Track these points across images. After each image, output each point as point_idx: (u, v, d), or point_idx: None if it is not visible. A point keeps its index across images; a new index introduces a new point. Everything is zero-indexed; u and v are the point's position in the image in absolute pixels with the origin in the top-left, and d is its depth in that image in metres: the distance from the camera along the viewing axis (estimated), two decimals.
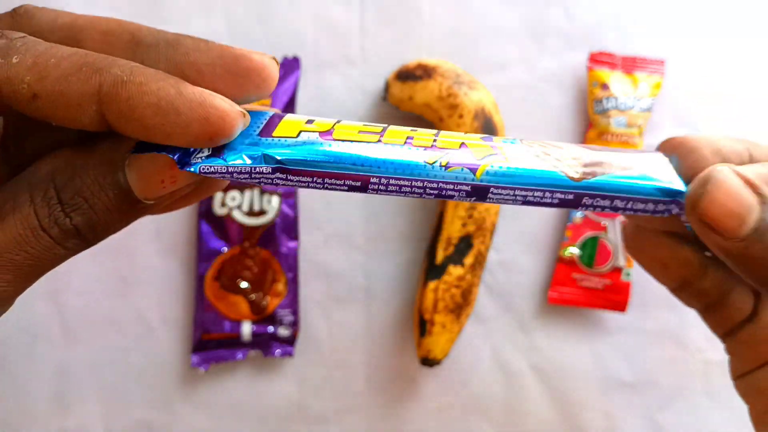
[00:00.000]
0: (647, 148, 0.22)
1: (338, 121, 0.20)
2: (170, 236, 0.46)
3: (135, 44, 0.18)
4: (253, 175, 0.19)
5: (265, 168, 0.19)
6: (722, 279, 0.23)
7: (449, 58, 0.46)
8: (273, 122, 0.20)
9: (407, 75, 0.44)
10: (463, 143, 0.20)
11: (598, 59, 0.46)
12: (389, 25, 0.46)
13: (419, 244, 0.47)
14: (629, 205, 0.20)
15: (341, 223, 0.47)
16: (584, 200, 0.20)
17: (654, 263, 0.24)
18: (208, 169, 0.18)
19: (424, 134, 0.21)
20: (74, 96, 0.16)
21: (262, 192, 0.45)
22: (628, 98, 0.45)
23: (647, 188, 0.20)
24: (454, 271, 0.43)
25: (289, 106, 0.45)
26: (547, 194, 0.20)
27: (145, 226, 0.45)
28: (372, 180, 0.19)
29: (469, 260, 0.43)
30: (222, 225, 0.45)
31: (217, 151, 0.18)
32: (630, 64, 0.46)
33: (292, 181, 0.19)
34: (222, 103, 0.17)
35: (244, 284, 0.45)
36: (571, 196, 0.20)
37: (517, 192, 0.20)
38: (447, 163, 0.20)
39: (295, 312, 0.46)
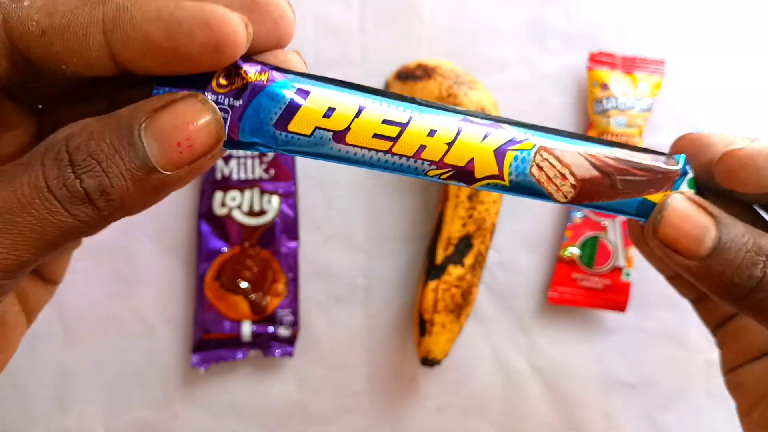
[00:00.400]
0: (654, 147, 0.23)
1: (360, 111, 0.20)
2: (170, 236, 0.46)
3: None
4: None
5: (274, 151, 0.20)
6: None
7: (449, 58, 0.46)
8: (292, 108, 0.19)
9: (407, 75, 0.44)
10: (471, 159, 0.21)
11: (598, 59, 0.46)
12: (389, 25, 0.46)
13: (419, 244, 0.47)
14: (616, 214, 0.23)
15: (341, 223, 0.47)
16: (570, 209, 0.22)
17: (653, 255, 0.25)
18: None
19: (439, 142, 0.21)
20: (80, 26, 0.17)
21: (263, 192, 0.45)
22: (628, 98, 0.46)
23: (627, 211, 0.22)
24: (454, 271, 0.43)
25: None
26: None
27: (145, 226, 0.45)
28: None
29: (469, 260, 0.44)
30: (222, 225, 0.45)
31: (231, 143, 0.20)
32: (630, 64, 0.46)
33: (274, 166, 0.20)
34: (220, 8, 0.17)
35: (244, 284, 0.45)
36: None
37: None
38: (447, 177, 0.21)
39: (295, 312, 0.46)
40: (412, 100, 0.21)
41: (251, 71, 0.19)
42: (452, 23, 0.46)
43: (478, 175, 0.21)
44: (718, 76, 0.47)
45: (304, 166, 0.46)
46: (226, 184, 0.45)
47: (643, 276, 0.46)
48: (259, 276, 0.45)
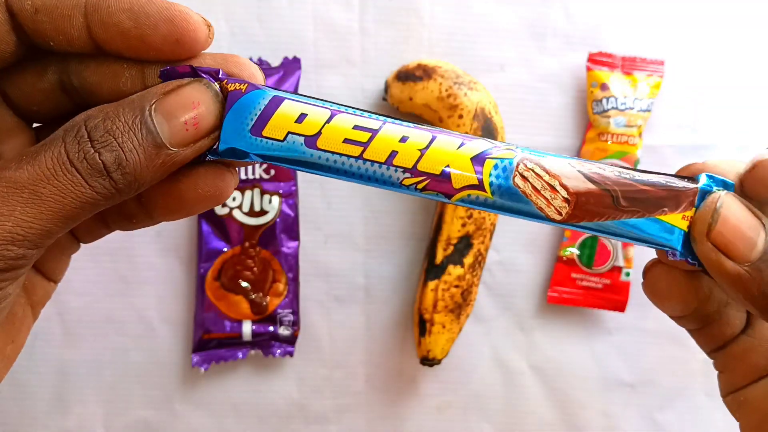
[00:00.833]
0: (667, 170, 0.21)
1: (332, 117, 0.20)
2: (171, 236, 0.46)
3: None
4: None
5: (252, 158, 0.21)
6: (720, 299, 0.23)
7: (449, 58, 0.46)
8: (267, 113, 0.20)
9: (407, 75, 0.44)
10: (446, 167, 0.20)
11: (597, 60, 0.46)
12: (389, 26, 0.46)
13: (419, 244, 0.47)
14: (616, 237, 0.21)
15: (341, 223, 0.47)
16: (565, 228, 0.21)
17: (676, 304, 0.23)
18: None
19: (412, 148, 0.20)
20: (66, 8, 0.19)
21: (263, 192, 0.45)
22: (628, 99, 0.46)
23: (639, 239, 0.21)
24: (454, 271, 0.43)
25: None
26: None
27: None
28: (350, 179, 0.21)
29: (468, 260, 0.44)
30: (223, 225, 0.45)
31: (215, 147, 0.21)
32: (629, 65, 0.46)
33: (274, 166, 0.21)
34: (186, 8, 0.20)
35: (244, 284, 0.45)
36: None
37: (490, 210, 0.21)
38: (423, 187, 0.20)
39: (295, 312, 0.46)
40: (387, 116, 0.21)
41: (232, 83, 0.20)
42: (452, 23, 0.46)
43: (456, 184, 0.20)
44: (717, 76, 0.47)
45: None
46: None
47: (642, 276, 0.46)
48: (260, 276, 0.45)
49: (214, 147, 0.20)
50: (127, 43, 0.20)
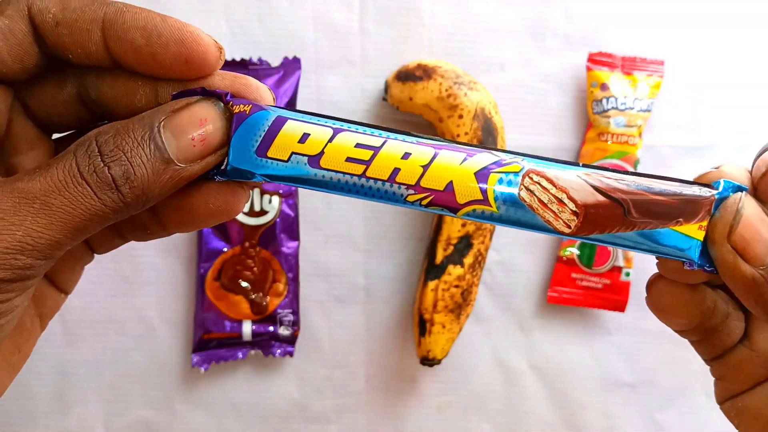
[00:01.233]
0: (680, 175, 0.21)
1: (334, 136, 0.21)
2: (171, 236, 0.46)
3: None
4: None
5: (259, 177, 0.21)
6: (723, 312, 0.23)
7: (449, 58, 0.46)
8: (271, 134, 0.21)
9: (407, 75, 0.44)
10: (450, 182, 0.20)
11: (597, 60, 0.46)
12: (389, 26, 0.46)
13: (419, 244, 0.47)
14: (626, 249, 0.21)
15: (341, 223, 0.47)
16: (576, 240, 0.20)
17: (680, 318, 0.24)
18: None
19: (414, 165, 0.20)
20: (85, 22, 0.20)
21: (263, 192, 0.45)
22: (628, 99, 0.46)
23: (653, 251, 0.20)
24: (454, 271, 0.43)
25: (290, 107, 0.45)
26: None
27: None
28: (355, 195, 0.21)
29: (468, 260, 0.44)
30: (223, 225, 0.45)
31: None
32: (629, 65, 0.46)
33: (281, 184, 0.22)
34: (198, 30, 0.20)
35: (244, 284, 0.45)
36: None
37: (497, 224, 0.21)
38: (428, 203, 0.20)
39: (295, 312, 0.46)
40: (390, 129, 0.21)
41: (237, 104, 0.21)
42: (452, 23, 0.46)
43: (460, 200, 0.20)
44: (717, 76, 0.47)
45: None
46: None
47: (643, 276, 0.46)
48: (260, 276, 0.45)
49: (222, 167, 0.21)
50: (140, 59, 0.20)
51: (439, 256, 0.44)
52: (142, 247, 0.46)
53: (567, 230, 0.20)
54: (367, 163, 0.20)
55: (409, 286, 0.47)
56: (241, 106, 0.21)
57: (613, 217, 0.20)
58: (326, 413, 0.47)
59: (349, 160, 0.20)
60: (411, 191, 0.20)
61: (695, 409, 0.48)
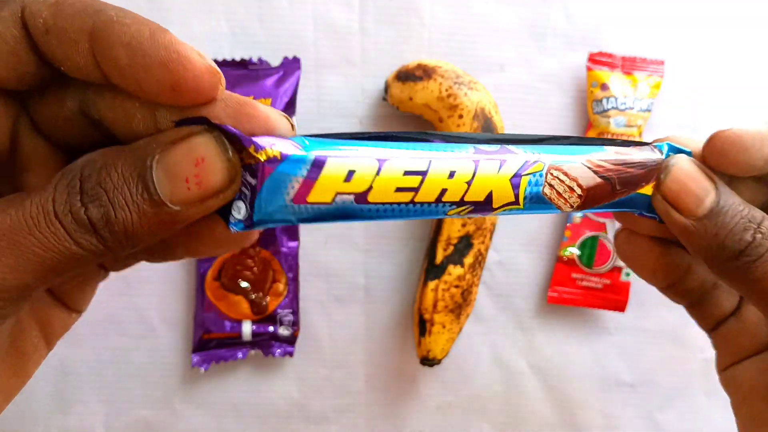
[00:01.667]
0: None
1: (381, 168, 0.19)
2: None
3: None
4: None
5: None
6: (705, 278, 0.25)
7: (449, 58, 0.46)
8: (310, 180, 0.18)
9: (407, 75, 0.44)
10: (490, 193, 0.21)
11: (597, 59, 0.46)
12: (389, 26, 0.46)
13: (419, 244, 0.47)
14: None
15: (341, 223, 0.47)
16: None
17: (643, 269, 0.26)
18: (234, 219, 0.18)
19: (460, 182, 0.20)
20: (73, 32, 0.17)
21: None
22: (628, 98, 0.46)
23: (616, 207, 0.23)
24: (454, 270, 0.43)
25: (290, 107, 0.45)
26: None
27: None
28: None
29: (468, 260, 0.44)
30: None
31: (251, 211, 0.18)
32: (629, 65, 0.46)
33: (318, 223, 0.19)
34: (189, 51, 0.17)
35: (244, 284, 0.45)
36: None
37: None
38: (467, 213, 0.21)
39: (295, 312, 0.46)
40: (423, 138, 0.20)
41: (261, 148, 0.18)
42: (452, 23, 0.46)
43: (496, 205, 0.21)
44: (717, 76, 0.47)
45: None
46: None
47: None
48: (260, 276, 0.45)
49: (242, 218, 0.18)
50: (125, 81, 0.17)
51: (439, 256, 0.44)
52: None
53: (569, 209, 0.22)
54: (416, 189, 0.19)
55: (409, 286, 0.47)
56: (269, 150, 0.18)
57: (604, 194, 0.22)
58: (326, 413, 0.47)
59: (398, 190, 0.19)
60: (453, 207, 0.20)
61: (695, 409, 0.48)
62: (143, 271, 0.46)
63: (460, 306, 0.44)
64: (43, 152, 0.20)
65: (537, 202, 0.22)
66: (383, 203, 0.19)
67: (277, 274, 0.45)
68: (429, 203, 0.20)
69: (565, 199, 0.22)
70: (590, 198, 0.22)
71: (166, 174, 0.17)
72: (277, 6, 0.46)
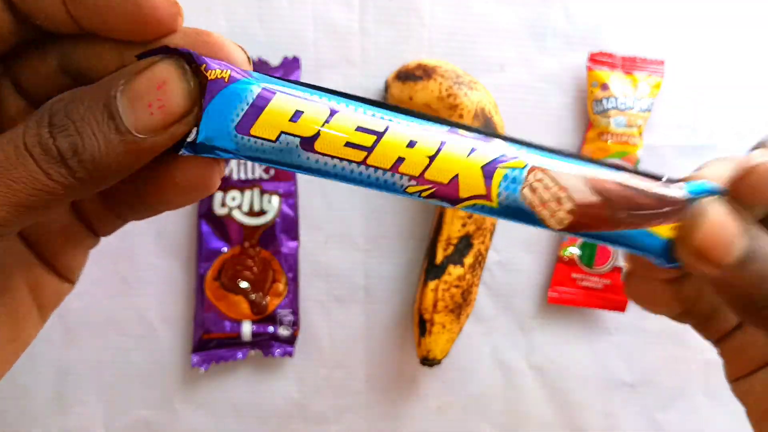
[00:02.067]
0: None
1: (331, 116, 0.18)
2: (170, 236, 0.46)
3: None
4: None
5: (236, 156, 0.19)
6: (713, 299, 0.24)
7: (449, 58, 0.46)
8: (255, 108, 0.18)
9: (407, 75, 0.44)
10: (456, 176, 0.19)
11: (597, 59, 0.46)
12: (389, 26, 0.46)
13: (419, 244, 0.47)
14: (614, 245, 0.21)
15: (341, 223, 0.47)
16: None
17: (656, 308, 0.24)
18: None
19: (420, 155, 0.19)
20: None
21: (263, 192, 0.45)
22: (628, 98, 0.46)
23: (627, 246, 0.21)
24: (454, 271, 0.43)
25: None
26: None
27: (145, 226, 0.45)
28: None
29: (468, 260, 0.44)
30: (222, 225, 0.45)
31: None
32: (630, 65, 0.46)
33: (265, 165, 0.19)
34: None
35: (244, 284, 0.45)
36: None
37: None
38: (429, 195, 0.19)
39: (295, 312, 0.46)
40: (393, 108, 0.19)
41: (212, 68, 0.18)
42: (452, 23, 0.46)
43: (462, 194, 0.19)
44: (717, 76, 0.47)
45: None
46: (226, 184, 0.45)
47: None
48: (260, 276, 0.45)
49: (190, 140, 0.18)
50: (93, 22, 0.18)
51: (439, 256, 0.44)
52: (142, 248, 0.46)
53: (558, 227, 0.20)
54: (369, 150, 0.18)
55: (409, 286, 0.47)
56: (218, 71, 0.18)
57: (602, 217, 0.20)
58: (326, 413, 0.47)
59: (348, 145, 0.18)
60: (413, 182, 0.19)
61: (695, 409, 0.48)
62: (143, 271, 0.46)
63: (460, 306, 0.44)
64: (26, 113, 0.20)
65: (514, 204, 0.19)
66: (331, 156, 0.18)
67: (277, 274, 0.45)
68: (384, 170, 0.19)
69: (550, 210, 0.19)
70: (584, 218, 0.20)
71: (129, 102, 0.17)
72: (277, 6, 0.46)
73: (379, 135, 0.19)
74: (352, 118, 0.19)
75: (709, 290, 0.21)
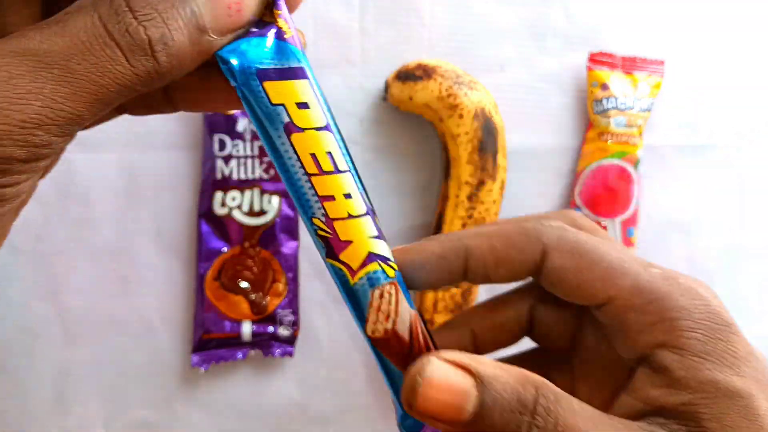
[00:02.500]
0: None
1: (321, 129, 0.20)
2: (170, 236, 0.46)
3: None
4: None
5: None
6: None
7: (449, 58, 0.46)
8: (283, 73, 0.20)
9: (407, 75, 0.44)
10: (350, 241, 0.21)
11: (597, 59, 0.46)
12: (389, 26, 0.46)
13: None
14: None
15: None
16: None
17: None
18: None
19: (345, 206, 0.21)
20: None
21: (263, 192, 0.45)
22: (628, 98, 0.46)
23: (393, 389, 0.22)
24: None
25: None
26: None
27: (145, 226, 0.45)
28: None
29: None
30: (222, 225, 0.45)
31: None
32: (630, 65, 0.46)
33: (273, 166, 0.21)
34: None
35: (244, 284, 0.45)
36: None
37: None
38: (321, 236, 0.21)
39: (295, 312, 0.46)
40: (354, 164, 0.21)
41: (283, 19, 0.19)
42: (452, 23, 0.46)
43: (341, 256, 0.21)
44: (717, 76, 0.47)
45: None
46: (226, 184, 0.45)
47: None
48: (260, 276, 0.45)
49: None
50: None
51: None
52: (141, 247, 0.46)
53: (369, 333, 0.22)
54: (320, 172, 0.20)
55: None
56: (285, 23, 0.19)
57: (400, 352, 0.22)
58: (326, 413, 0.47)
59: (312, 155, 0.20)
60: (322, 218, 0.21)
61: None
62: (143, 271, 0.46)
63: (460, 306, 0.44)
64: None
65: (361, 293, 0.21)
66: (295, 151, 0.20)
67: (277, 274, 0.45)
68: (315, 193, 0.20)
69: (376, 317, 0.21)
70: (388, 343, 0.21)
71: (210, 1, 0.17)
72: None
73: (337, 170, 0.21)
74: (331, 142, 0.20)
75: None
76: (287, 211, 0.45)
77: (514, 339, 0.27)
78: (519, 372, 0.20)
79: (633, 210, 0.46)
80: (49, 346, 0.46)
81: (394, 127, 0.46)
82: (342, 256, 0.21)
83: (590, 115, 0.46)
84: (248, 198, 0.45)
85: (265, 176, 0.45)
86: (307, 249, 0.46)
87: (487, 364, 0.20)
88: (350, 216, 0.21)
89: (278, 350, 0.46)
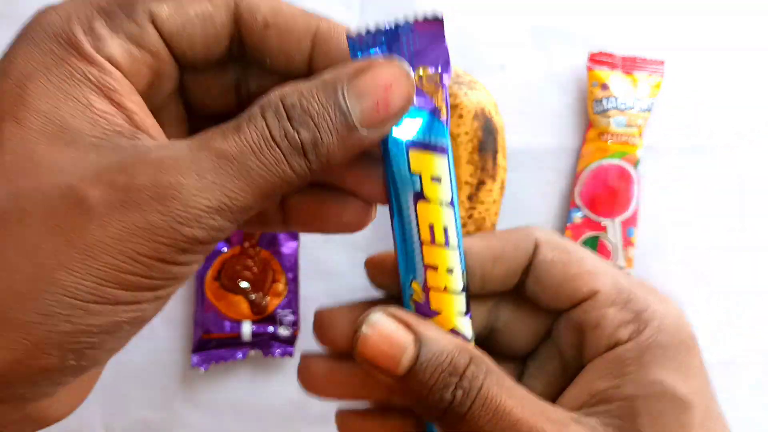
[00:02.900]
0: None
1: (446, 204, 0.21)
2: None
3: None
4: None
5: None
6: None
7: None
8: (432, 148, 0.21)
9: None
10: (439, 312, 0.22)
11: (598, 59, 0.46)
12: None
13: None
14: None
15: None
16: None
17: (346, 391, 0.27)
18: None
19: (444, 279, 0.22)
20: (298, 32, 0.20)
21: None
22: (628, 98, 0.46)
23: None
24: None
25: None
26: None
27: None
28: None
29: None
30: None
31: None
32: (630, 65, 0.46)
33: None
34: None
35: (244, 284, 0.45)
36: None
37: None
38: (414, 301, 0.22)
39: (295, 312, 0.46)
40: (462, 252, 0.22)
41: (443, 98, 0.21)
42: (452, 23, 0.46)
43: (431, 302, 0.22)
44: (717, 76, 0.47)
45: None
46: None
47: (643, 276, 0.46)
48: (259, 276, 0.45)
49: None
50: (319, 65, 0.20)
51: None
52: None
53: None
54: (433, 242, 0.21)
55: None
56: (443, 102, 0.21)
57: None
58: (326, 413, 0.47)
59: (431, 227, 0.21)
60: (421, 284, 0.22)
61: None
62: None
63: None
64: (178, 116, 0.23)
65: None
66: (415, 219, 0.22)
67: (277, 274, 0.45)
68: (422, 262, 0.22)
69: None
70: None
71: (357, 99, 0.19)
72: None
73: (447, 244, 0.21)
74: (449, 218, 0.21)
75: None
76: None
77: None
78: (459, 341, 0.21)
79: (633, 210, 0.46)
80: None
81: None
82: (431, 302, 0.22)
83: (590, 115, 0.46)
84: None
85: None
86: (307, 249, 0.46)
87: (430, 327, 0.21)
88: (446, 289, 0.22)
89: (278, 350, 0.46)
